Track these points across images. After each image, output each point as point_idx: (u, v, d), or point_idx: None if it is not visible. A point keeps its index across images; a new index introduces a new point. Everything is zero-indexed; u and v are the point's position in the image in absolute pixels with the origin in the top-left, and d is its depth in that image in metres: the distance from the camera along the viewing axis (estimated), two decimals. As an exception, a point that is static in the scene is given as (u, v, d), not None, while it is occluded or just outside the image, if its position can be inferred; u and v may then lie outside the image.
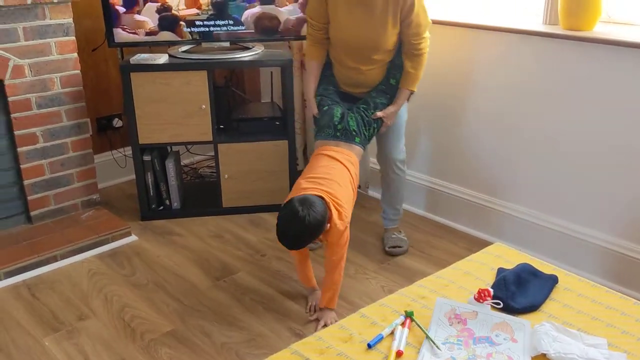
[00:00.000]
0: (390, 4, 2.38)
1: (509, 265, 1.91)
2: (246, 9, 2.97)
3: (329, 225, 2.17)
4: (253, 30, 3.01)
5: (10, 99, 2.71)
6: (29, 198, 2.89)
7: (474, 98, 2.83)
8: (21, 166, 2.83)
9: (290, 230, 2.11)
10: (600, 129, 2.41)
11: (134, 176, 3.19)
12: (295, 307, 2.43)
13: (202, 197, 3.34)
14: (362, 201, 3.35)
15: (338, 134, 2.47)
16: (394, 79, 2.56)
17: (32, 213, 2.92)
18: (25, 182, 2.86)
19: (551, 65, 2.51)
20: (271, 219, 3.14)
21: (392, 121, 2.59)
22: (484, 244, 2.75)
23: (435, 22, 2.68)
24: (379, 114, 2.53)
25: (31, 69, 2.75)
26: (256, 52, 3.09)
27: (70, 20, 2.81)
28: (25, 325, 2.33)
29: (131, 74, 2.88)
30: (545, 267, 1.91)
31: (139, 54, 2.98)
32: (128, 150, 3.47)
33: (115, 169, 3.51)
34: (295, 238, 2.13)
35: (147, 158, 3.08)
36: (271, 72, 3.52)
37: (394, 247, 2.80)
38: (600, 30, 2.38)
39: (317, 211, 2.10)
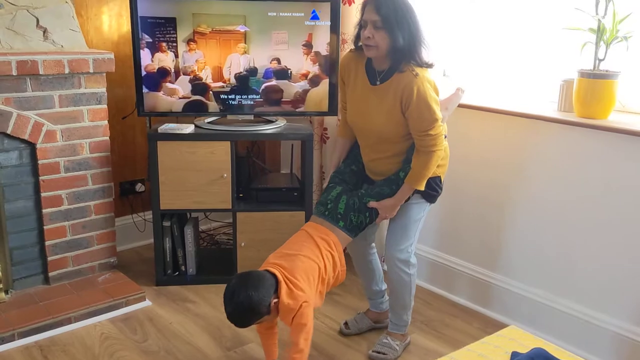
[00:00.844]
0: (396, 93, 2.28)
1: (524, 349, 1.89)
2: (263, 84, 3.11)
3: (276, 300, 2.14)
4: (263, 100, 3.14)
5: (40, 162, 2.82)
6: (48, 259, 2.94)
7: (491, 178, 2.88)
8: (44, 227, 2.90)
9: (227, 307, 2.12)
10: (616, 216, 2.43)
11: (151, 240, 3.25)
12: (305, 382, 2.40)
13: (218, 264, 3.37)
14: (376, 275, 3.35)
15: (326, 212, 2.41)
16: (403, 172, 2.40)
17: (51, 274, 2.96)
18: (47, 243, 2.92)
19: (567, 151, 2.56)
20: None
21: (390, 215, 2.43)
22: (499, 325, 2.73)
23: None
24: (373, 203, 2.40)
25: (62, 134, 2.86)
26: (278, 126, 3.20)
27: (104, 89, 2.95)
28: (35, 388, 2.33)
29: (158, 142, 2.99)
30: (559, 353, 1.89)
31: (166, 124, 3.10)
32: (148, 215, 3.54)
33: (133, 233, 3.57)
34: (234, 315, 2.13)
35: (166, 223, 3.14)
36: (292, 144, 3.62)
37: (377, 352, 2.55)
38: (615, 119, 2.44)
39: (254, 287, 2.09)
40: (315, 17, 3.02)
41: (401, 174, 2.41)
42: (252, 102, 3.14)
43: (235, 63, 3.06)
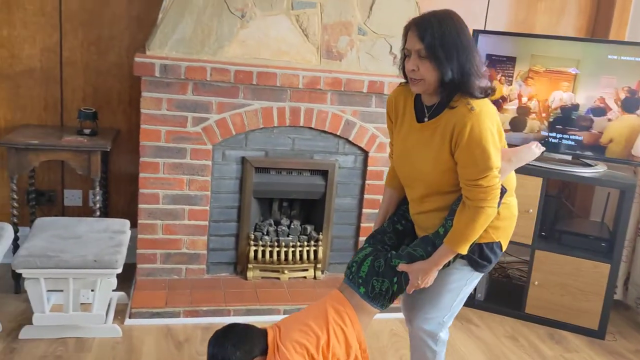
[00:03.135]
0: (445, 131, 1.85)
1: None
2: (583, 119, 3.08)
3: None
4: (585, 142, 3.06)
5: (369, 168, 3.26)
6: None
7: None
8: (361, 224, 3.33)
9: (207, 354, 1.94)
10: None
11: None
12: None
13: (507, 296, 3.39)
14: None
15: (350, 276, 2.03)
16: (443, 228, 1.93)
17: (358, 266, 3.38)
18: (360, 238, 3.35)
19: None
20: (573, 339, 3.03)
21: (423, 282, 1.94)
22: None
23: None
24: (402, 266, 1.95)
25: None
26: (597, 171, 3.09)
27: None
28: None
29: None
30: None
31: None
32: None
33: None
34: None
35: (464, 245, 3.30)
36: (608, 192, 3.44)
37: None
38: None
39: (234, 341, 1.89)
40: (663, 62, 2.86)
41: (441, 230, 1.95)
42: (572, 143, 3.11)
43: (558, 99, 3.12)
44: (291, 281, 3.26)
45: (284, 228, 3.27)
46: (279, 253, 3.21)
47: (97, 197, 2.98)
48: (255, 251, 3.17)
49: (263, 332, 1.95)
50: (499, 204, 1.86)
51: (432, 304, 2.02)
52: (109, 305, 2.75)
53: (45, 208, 3.25)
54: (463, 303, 2.07)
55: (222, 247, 3.19)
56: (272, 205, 3.37)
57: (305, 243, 3.26)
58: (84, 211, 3.26)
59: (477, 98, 1.83)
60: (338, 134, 3.17)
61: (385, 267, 1.97)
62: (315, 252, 3.27)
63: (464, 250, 1.88)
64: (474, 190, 1.82)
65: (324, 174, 3.24)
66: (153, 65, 2.80)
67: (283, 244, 3.22)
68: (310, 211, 3.41)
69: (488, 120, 1.80)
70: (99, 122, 3.07)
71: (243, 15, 2.95)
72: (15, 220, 2.88)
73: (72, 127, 3.13)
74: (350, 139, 3.20)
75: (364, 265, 2.00)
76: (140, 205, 2.99)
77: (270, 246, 3.20)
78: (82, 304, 2.63)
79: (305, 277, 3.30)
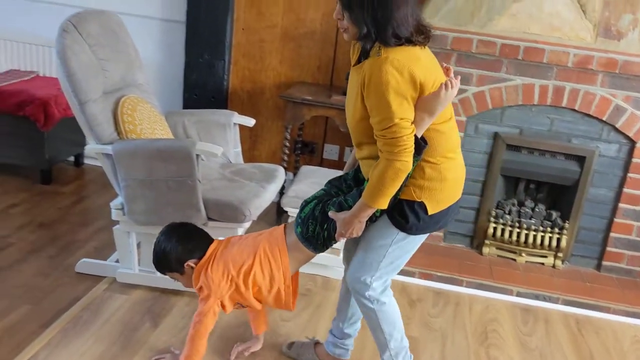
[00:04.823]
0: (359, 78, 1.77)
1: None
2: None
3: (193, 266, 2.04)
4: None
5: (634, 160, 2.99)
6: (607, 249, 3.14)
7: None
8: (614, 219, 3.09)
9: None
10: None
11: None
12: None
13: None
14: None
15: (297, 215, 2.04)
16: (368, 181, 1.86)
17: (604, 262, 3.16)
18: (611, 235, 3.11)
19: None
20: None
21: (347, 232, 1.88)
22: None
23: None
24: (331, 213, 1.92)
25: (666, 140, 2.94)
26: None
27: None
28: (565, 350, 2.60)
29: None
30: None
31: None
32: None
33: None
34: (153, 251, 2.09)
35: None
36: None
37: None
38: None
39: (179, 238, 2.04)
40: None
41: (366, 183, 1.85)
42: None
43: None
44: (528, 265, 3.18)
45: (527, 210, 3.19)
46: (519, 234, 3.15)
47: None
48: (495, 228, 3.16)
49: (210, 242, 2.10)
50: (416, 159, 1.78)
51: (359, 261, 1.99)
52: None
53: (307, 157, 3.63)
54: (397, 269, 2.01)
55: (462, 219, 3.23)
56: (518, 185, 3.29)
57: (549, 229, 3.14)
58: (339, 165, 3.56)
59: (390, 46, 1.73)
60: (604, 119, 2.95)
61: (320, 212, 1.97)
62: (559, 239, 3.14)
63: (380, 204, 1.81)
64: (381, 141, 1.76)
65: (581, 160, 3.06)
66: (422, 34, 2.91)
67: (524, 226, 3.14)
68: (557, 197, 3.26)
69: (392, 67, 1.70)
70: (363, 85, 3.30)
71: (518, -12, 2.89)
72: (285, 165, 3.27)
73: (339, 86, 3.43)
74: (617, 125, 2.96)
75: (307, 206, 2.01)
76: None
77: (510, 226, 3.15)
78: (332, 248, 2.91)
79: (543, 264, 3.19)
